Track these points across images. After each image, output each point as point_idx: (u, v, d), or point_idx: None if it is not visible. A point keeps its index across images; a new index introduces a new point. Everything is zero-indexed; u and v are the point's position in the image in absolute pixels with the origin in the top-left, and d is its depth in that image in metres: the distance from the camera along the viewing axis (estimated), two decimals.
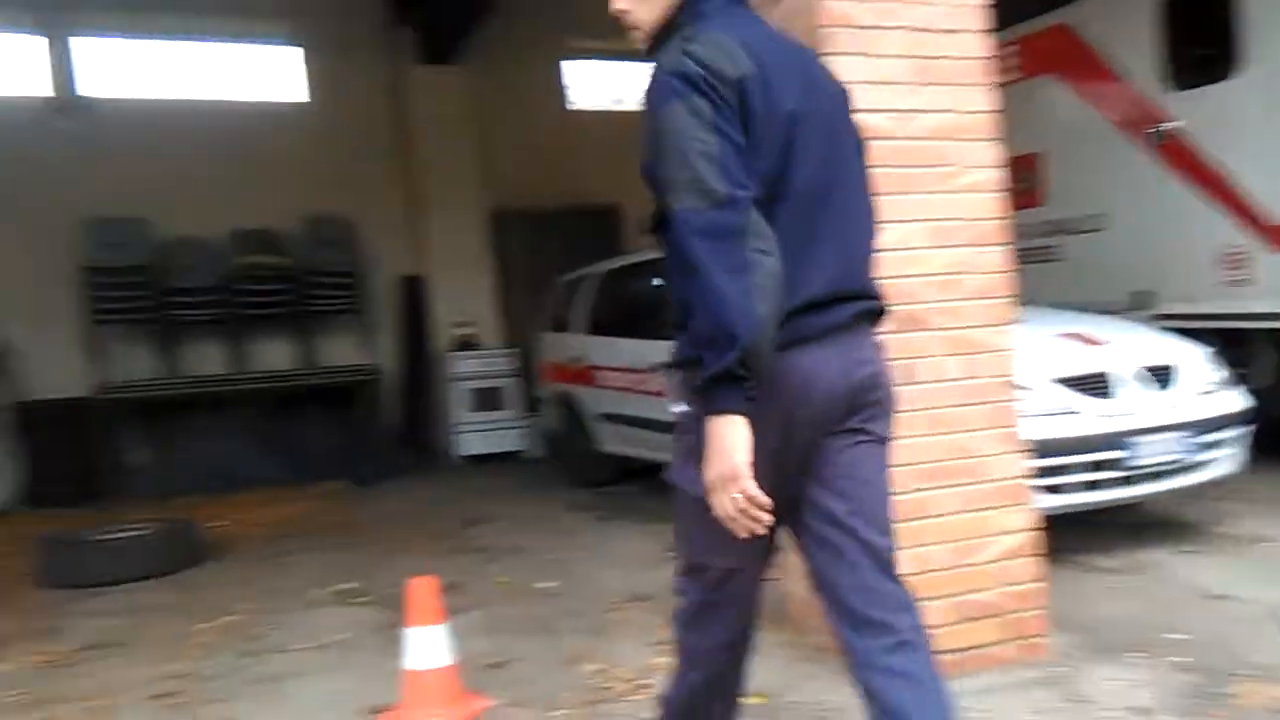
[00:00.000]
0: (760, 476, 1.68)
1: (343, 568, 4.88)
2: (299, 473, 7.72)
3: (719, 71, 1.74)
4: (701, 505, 1.75)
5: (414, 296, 9.06)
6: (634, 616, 3.87)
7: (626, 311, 6.68)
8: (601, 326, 6.79)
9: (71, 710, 3.16)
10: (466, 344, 8.84)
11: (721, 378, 1.63)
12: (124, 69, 8.45)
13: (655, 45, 1.96)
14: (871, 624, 1.83)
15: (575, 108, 10.04)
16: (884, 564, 1.87)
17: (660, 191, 1.74)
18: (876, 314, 1.94)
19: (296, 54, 8.95)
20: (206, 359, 8.32)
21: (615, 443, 6.53)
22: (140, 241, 7.90)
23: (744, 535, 1.71)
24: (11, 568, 5.32)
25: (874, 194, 1.98)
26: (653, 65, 1.84)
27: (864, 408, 1.87)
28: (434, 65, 8.81)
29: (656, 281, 5.93)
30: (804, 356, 1.78)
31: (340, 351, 8.70)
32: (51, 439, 7.52)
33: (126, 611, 4.37)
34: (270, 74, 8.95)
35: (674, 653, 2.13)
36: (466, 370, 8.66)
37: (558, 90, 9.94)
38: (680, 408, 1.88)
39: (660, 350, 5.49)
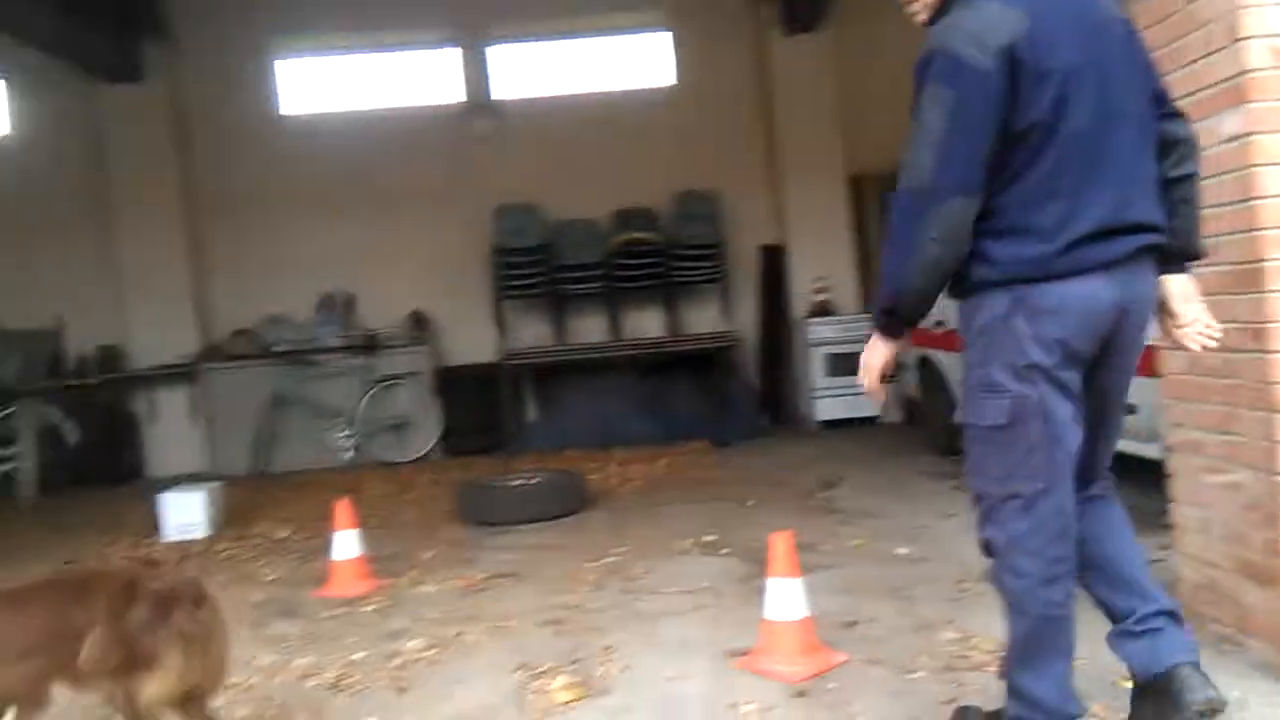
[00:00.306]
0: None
1: (706, 520, 5.16)
2: (667, 432, 8.24)
3: (971, 59, 2.00)
4: (992, 432, 2.13)
5: (773, 264, 9.23)
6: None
7: None
8: None
9: (481, 628, 3.68)
10: (824, 309, 8.85)
11: (882, 314, 2.27)
12: (523, 71, 9.43)
13: (936, 15, 2.20)
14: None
15: None
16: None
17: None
18: (1157, 248, 2.14)
19: (665, 39, 9.44)
20: (589, 328, 9.12)
21: None
22: (537, 225, 8.82)
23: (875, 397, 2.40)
24: (438, 506, 6.25)
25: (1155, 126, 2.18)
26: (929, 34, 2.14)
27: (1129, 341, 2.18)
28: (796, 35, 8.86)
29: None
30: (1081, 285, 2.05)
31: (704, 319, 9.12)
32: (465, 399, 8.67)
33: (524, 548, 4.97)
34: (641, 61, 9.52)
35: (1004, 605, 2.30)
36: (824, 335, 8.66)
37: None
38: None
39: None
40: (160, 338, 8.77)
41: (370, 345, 8.64)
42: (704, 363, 8.88)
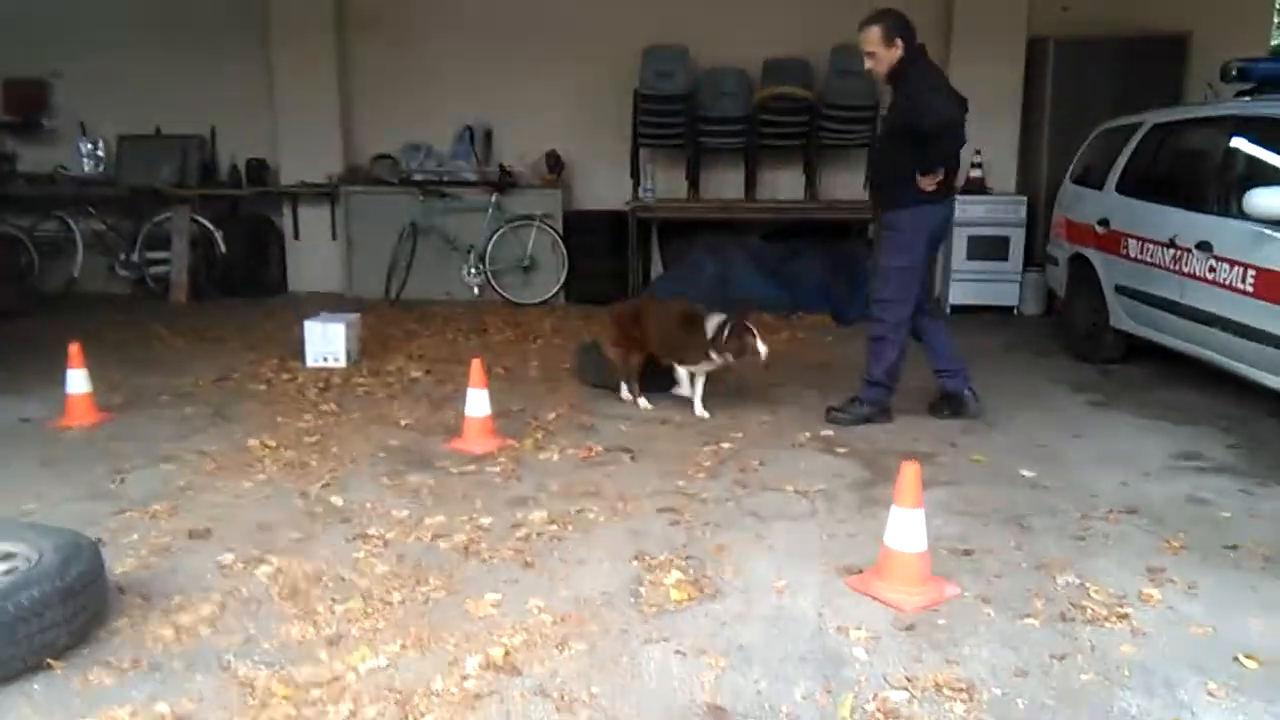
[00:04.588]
0: None
1: (823, 410, 5.12)
2: (791, 301, 8.10)
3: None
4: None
5: None
6: (1123, 531, 3.63)
7: (1170, 175, 5.87)
8: (1137, 188, 6.04)
9: (600, 506, 3.81)
10: (977, 186, 8.37)
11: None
12: None
13: (896, 78, 4.68)
14: None
15: None
16: None
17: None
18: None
19: None
20: (725, 183, 8.89)
21: (1130, 320, 5.92)
22: (684, 70, 8.45)
23: None
24: (560, 360, 6.39)
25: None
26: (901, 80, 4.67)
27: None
28: None
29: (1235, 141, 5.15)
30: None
31: (846, 186, 8.74)
32: (592, 245, 8.64)
33: (641, 419, 5.06)
34: None
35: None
36: (971, 215, 8.24)
37: None
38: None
39: (1205, 226, 4.83)
40: (306, 155, 8.96)
41: (504, 182, 8.64)
42: (838, 232, 8.62)
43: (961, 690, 2.53)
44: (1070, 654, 2.73)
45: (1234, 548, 3.45)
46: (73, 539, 2.84)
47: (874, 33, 4.59)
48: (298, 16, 8.80)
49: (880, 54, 4.60)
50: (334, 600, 3.00)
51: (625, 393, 5.30)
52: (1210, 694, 2.53)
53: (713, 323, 4.84)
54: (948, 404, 5.08)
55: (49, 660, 2.57)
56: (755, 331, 4.76)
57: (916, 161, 4.60)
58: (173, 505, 3.82)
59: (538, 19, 8.81)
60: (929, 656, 2.71)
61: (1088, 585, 3.15)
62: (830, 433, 4.83)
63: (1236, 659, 2.71)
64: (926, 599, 3.01)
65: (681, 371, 5.02)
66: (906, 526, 3.02)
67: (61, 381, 5.05)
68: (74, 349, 4.94)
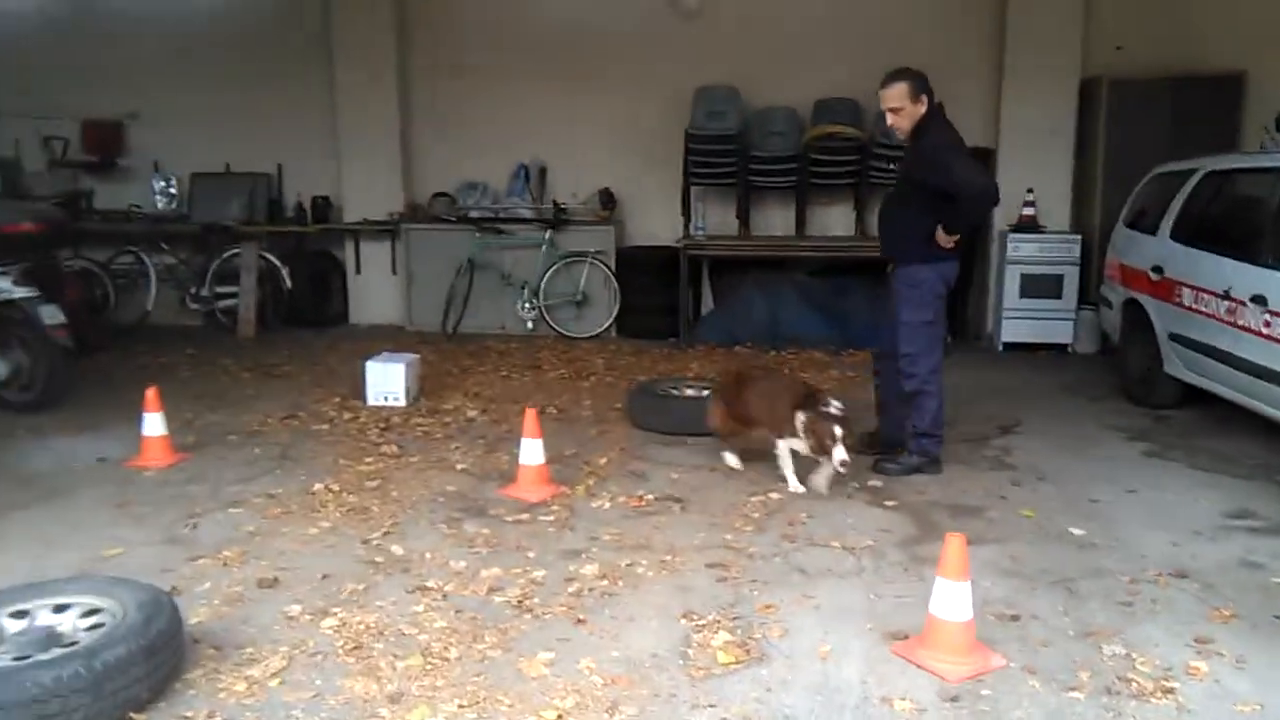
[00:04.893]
0: None
1: (871, 459, 5.17)
2: (838, 338, 8.17)
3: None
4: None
5: None
6: (1171, 596, 3.63)
7: (1226, 224, 5.83)
8: (1191, 236, 6.00)
9: (650, 560, 3.92)
10: (1029, 224, 8.35)
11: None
12: None
13: (915, 135, 4.83)
14: None
15: None
16: None
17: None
18: None
19: None
20: (775, 221, 8.99)
21: (1184, 369, 5.88)
22: (736, 110, 8.60)
23: None
24: (611, 399, 6.52)
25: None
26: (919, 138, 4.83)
27: None
28: None
29: None
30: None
31: None
32: (643, 281, 8.78)
33: (691, 466, 5.15)
34: None
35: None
36: (1024, 253, 8.23)
37: None
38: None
39: (1261, 279, 4.80)
40: (368, 193, 9.27)
41: (558, 219, 8.83)
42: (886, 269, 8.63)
43: None
44: None
45: None
46: (154, 595, 3.02)
47: (901, 89, 4.73)
48: (361, 58, 9.11)
49: (906, 109, 4.73)
50: (395, 656, 3.14)
51: (730, 460, 5.13)
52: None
53: (807, 405, 4.60)
54: (880, 443, 5.24)
55: (131, 714, 2.73)
56: (838, 435, 4.44)
57: (946, 219, 4.73)
58: (243, 551, 4.01)
59: (591, 60, 9.03)
60: None
61: (1134, 656, 3.17)
62: (879, 483, 4.88)
63: None
64: (972, 669, 3.06)
65: (780, 445, 4.77)
66: (952, 597, 3.07)
67: (136, 420, 5.31)
68: (150, 393, 5.18)
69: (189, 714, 2.80)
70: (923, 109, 4.75)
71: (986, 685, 2.99)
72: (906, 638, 3.26)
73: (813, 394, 4.70)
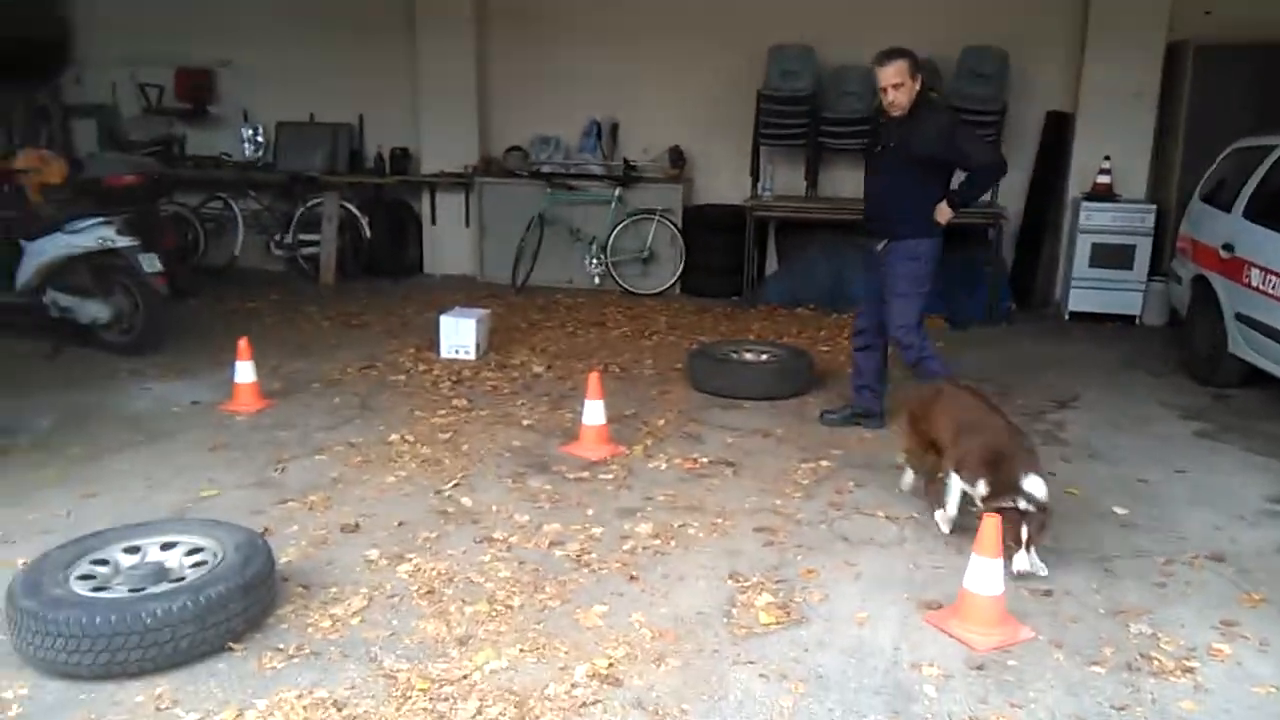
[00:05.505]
0: None
1: None
2: None
3: None
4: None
5: (1058, 135, 8.61)
6: (1204, 579, 3.75)
7: None
8: (1264, 215, 5.92)
9: (701, 521, 4.15)
10: (1105, 192, 8.24)
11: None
12: None
13: (909, 113, 4.95)
14: None
15: None
16: None
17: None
18: None
19: None
20: (844, 183, 8.98)
21: (1249, 350, 5.85)
22: (810, 69, 8.58)
23: None
24: (672, 358, 6.72)
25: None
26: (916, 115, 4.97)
27: None
28: None
29: None
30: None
31: None
32: (709, 240, 8.91)
33: (746, 431, 5.34)
34: None
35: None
36: (1097, 222, 8.14)
37: None
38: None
39: None
40: (445, 146, 9.51)
41: (628, 176, 8.98)
42: (958, 235, 8.57)
43: None
44: (1130, 705, 2.93)
45: None
46: (250, 538, 3.36)
47: (901, 66, 4.88)
48: (441, 11, 9.28)
49: (907, 85, 4.90)
50: (463, 601, 3.44)
51: (907, 483, 4.51)
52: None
53: (1000, 470, 3.75)
54: (856, 417, 5.43)
55: (230, 644, 3.08)
56: (1022, 538, 3.59)
57: (959, 193, 5.04)
58: (327, 497, 4.35)
59: (666, 16, 9.06)
60: (994, 698, 2.95)
61: (1159, 635, 3.31)
62: None
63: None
64: (1000, 640, 3.24)
65: (953, 479, 4.03)
66: (984, 572, 3.24)
67: (226, 364, 5.72)
68: (242, 343, 5.55)
69: (281, 646, 3.13)
70: (918, 86, 4.93)
71: (1013, 656, 3.17)
72: (940, 607, 3.45)
73: (1013, 454, 3.77)
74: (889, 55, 4.91)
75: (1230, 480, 4.78)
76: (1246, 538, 4.12)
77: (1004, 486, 3.68)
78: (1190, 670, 3.11)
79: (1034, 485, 3.65)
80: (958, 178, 5.08)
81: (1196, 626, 3.39)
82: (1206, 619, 3.44)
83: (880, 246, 5.14)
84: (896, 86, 4.89)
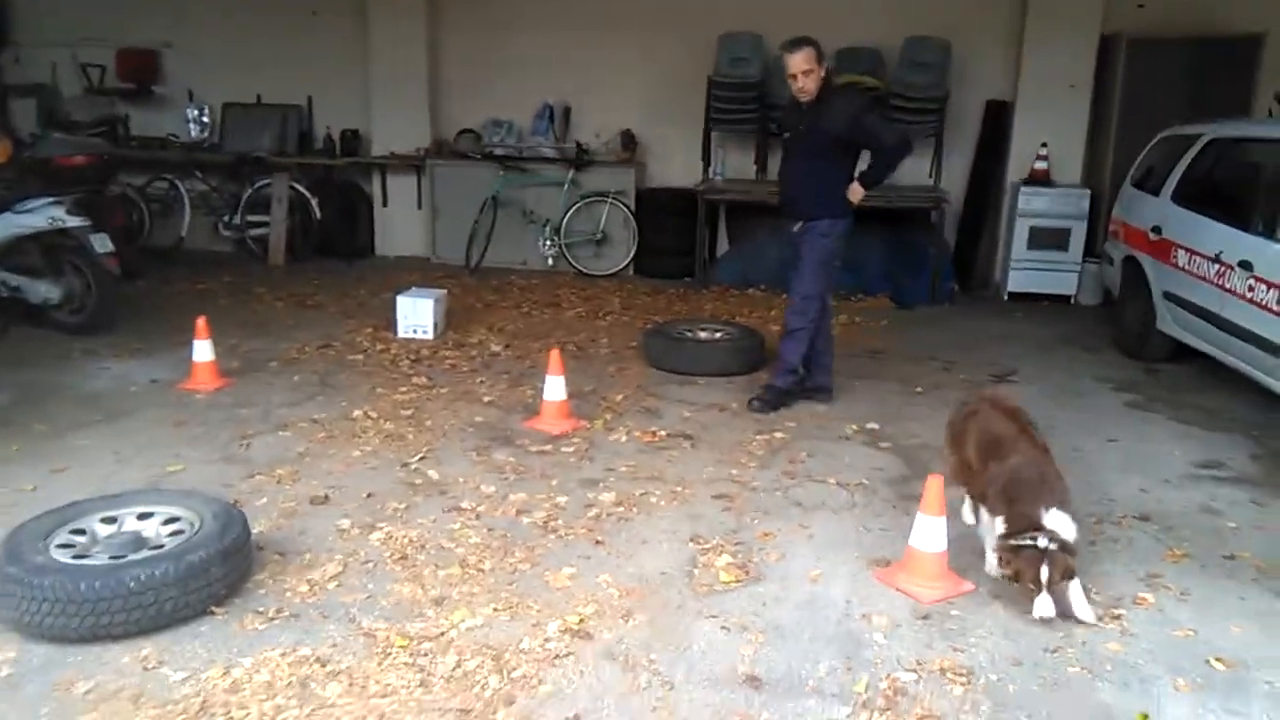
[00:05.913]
0: None
1: (872, 404, 5.55)
2: (851, 283, 8.43)
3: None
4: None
5: (998, 123, 8.91)
6: (1132, 537, 4.01)
7: (1223, 190, 6.07)
8: (1190, 200, 6.25)
9: (662, 490, 4.32)
10: (1041, 178, 8.57)
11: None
12: None
13: (817, 98, 5.13)
14: None
15: None
16: None
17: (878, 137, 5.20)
18: None
19: None
20: None
21: (1175, 327, 6.18)
22: (760, 57, 8.76)
23: None
24: (627, 338, 6.87)
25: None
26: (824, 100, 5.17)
27: None
28: None
29: None
30: None
31: (912, 174, 8.94)
32: (661, 222, 9.06)
33: (702, 405, 5.52)
34: None
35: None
36: (1034, 206, 8.46)
37: None
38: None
39: (1249, 245, 5.08)
40: (396, 128, 9.51)
41: (581, 159, 9.08)
42: (902, 218, 8.88)
43: (962, 675, 2.99)
44: (1063, 648, 3.16)
45: (1231, 558, 3.83)
46: (225, 508, 3.44)
47: (809, 53, 5.07)
48: None
49: (815, 71, 5.07)
50: (436, 565, 3.56)
51: (969, 514, 3.96)
52: (1177, 689, 2.95)
53: (1022, 498, 3.37)
54: (814, 392, 5.62)
55: (212, 608, 3.17)
56: (1042, 580, 3.19)
57: (868, 173, 5.23)
58: (294, 470, 4.42)
59: (619, 3, 9.17)
60: (938, 644, 3.17)
61: (1090, 587, 3.54)
62: (876, 426, 5.25)
63: (1208, 661, 3.12)
64: (943, 593, 3.46)
65: (984, 515, 3.64)
66: (929, 530, 3.46)
67: (182, 344, 5.75)
68: (200, 322, 5.57)
69: (261, 609, 3.23)
70: (823, 72, 5.12)
71: (956, 607, 3.39)
72: (888, 564, 3.66)
73: (1036, 485, 3.38)
74: (796, 44, 5.10)
75: (1159, 448, 5.08)
76: (1172, 499, 4.41)
77: (1023, 520, 3.29)
78: (1118, 617, 3.36)
79: (1058, 522, 3.28)
80: (865, 160, 5.25)
81: (1124, 579, 3.65)
82: (1133, 572, 3.70)
83: (797, 227, 5.39)
84: (806, 73, 5.06)
